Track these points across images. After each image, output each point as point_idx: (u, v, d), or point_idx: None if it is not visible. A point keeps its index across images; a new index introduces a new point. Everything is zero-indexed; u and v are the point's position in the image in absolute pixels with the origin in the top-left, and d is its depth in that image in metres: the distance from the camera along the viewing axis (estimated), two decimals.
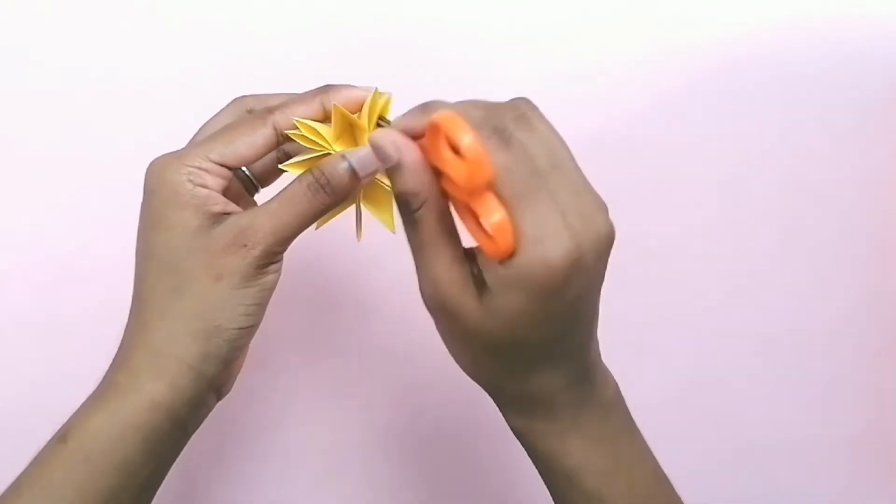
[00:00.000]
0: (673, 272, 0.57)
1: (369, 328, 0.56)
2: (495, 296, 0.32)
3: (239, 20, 0.54)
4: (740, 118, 0.57)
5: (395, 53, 0.52)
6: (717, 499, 0.56)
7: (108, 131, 0.54)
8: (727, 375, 0.58)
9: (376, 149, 0.35)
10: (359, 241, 0.41)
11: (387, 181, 0.40)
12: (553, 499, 0.40)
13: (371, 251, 0.41)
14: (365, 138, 0.39)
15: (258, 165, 0.41)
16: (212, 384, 0.38)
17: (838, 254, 0.58)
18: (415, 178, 0.34)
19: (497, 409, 0.39)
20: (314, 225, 0.41)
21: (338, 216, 0.41)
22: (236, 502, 0.55)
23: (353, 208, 0.41)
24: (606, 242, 0.32)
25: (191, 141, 0.40)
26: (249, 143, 0.38)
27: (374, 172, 0.38)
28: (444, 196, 0.35)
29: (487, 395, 0.38)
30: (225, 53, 0.54)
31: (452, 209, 0.35)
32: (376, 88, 0.39)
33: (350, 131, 0.40)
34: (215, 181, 0.38)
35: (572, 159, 0.33)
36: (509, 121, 0.32)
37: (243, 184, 0.41)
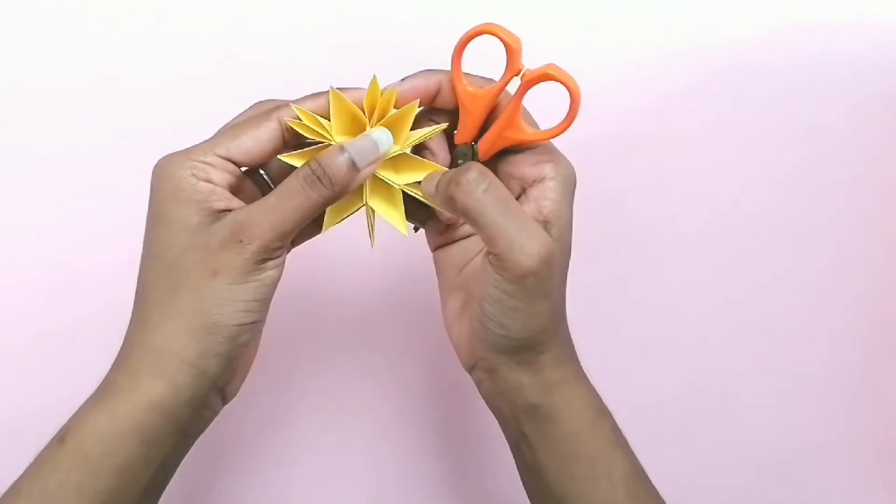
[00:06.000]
0: (673, 274, 0.57)
1: (370, 329, 0.55)
2: (556, 220, 0.38)
3: (241, 24, 0.54)
4: (741, 120, 0.57)
5: (394, 54, 0.50)
6: (716, 500, 0.56)
7: (110, 133, 0.53)
8: (728, 377, 0.58)
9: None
10: (372, 247, 0.40)
11: (394, 178, 0.40)
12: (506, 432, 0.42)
13: (373, 250, 0.41)
14: (366, 128, 0.38)
15: (275, 168, 0.40)
16: (214, 384, 0.37)
17: (840, 255, 0.58)
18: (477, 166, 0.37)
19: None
20: (322, 231, 0.41)
21: (345, 218, 0.40)
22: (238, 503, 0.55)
23: (362, 212, 0.41)
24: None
25: None
26: (255, 137, 0.37)
27: (375, 163, 0.38)
28: None
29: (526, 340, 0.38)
30: (226, 56, 0.53)
31: None
32: (374, 76, 0.38)
33: (354, 124, 0.39)
34: (221, 176, 0.37)
35: None
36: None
37: (260, 188, 0.41)
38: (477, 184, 0.36)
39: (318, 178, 0.36)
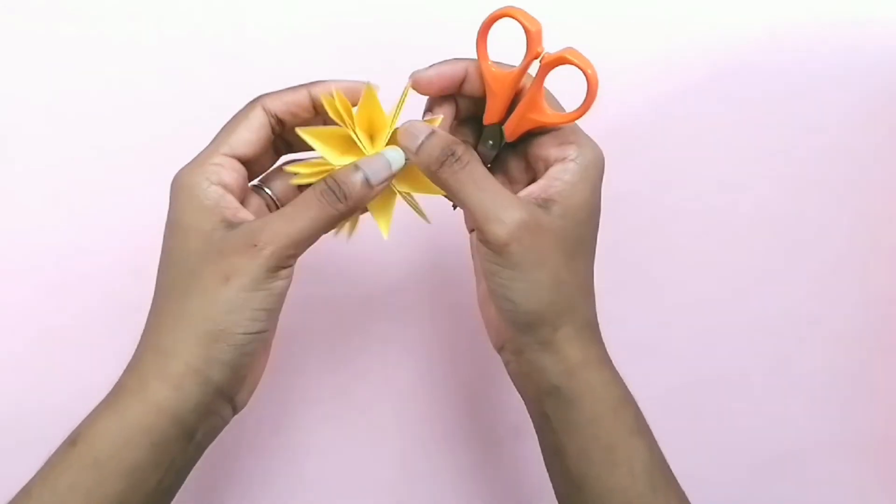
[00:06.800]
0: (675, 273, 0.57)
1: (374, 328, 0.55)
2: (563, 199, 0.38)
3: (242, 24, 0.55)
4: (743, 119, 0.57)
5: (397, 53, 0.50)
6: (715, 499, 0.55)
7: (109, 131, 0.54)
8: (727, 376, 0.57)
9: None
10: (347, 240, 0.42)
11: (396, 184, 0.41)
12: (530, 412, 0.42)
13: (377, 249, 0.42)
14: (381, 144, 0.40)
15: (282, 188, 0.42)
16: (220, 391, 0.37)
17: (843, 254, 0.58)
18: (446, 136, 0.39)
19: (501, 401, 0.42)
20: (333, 232, 0.41)
21: (356, 224, 0.42)
22: None
23: (366, 215, 0.42)
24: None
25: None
26: (247, 127, 0.39)
27: (388, 180, 0.39)
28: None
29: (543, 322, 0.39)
30: (225, 55, 0.55)
31: None
32: (368, 83, 0.39)
33: (372, 124, 0.40)
34: (231, 176, 0.39)
35: None
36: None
37: (267, 205, 0.42)
38: (458, 163, 0.38)
39: (334, 193, 0.38)
